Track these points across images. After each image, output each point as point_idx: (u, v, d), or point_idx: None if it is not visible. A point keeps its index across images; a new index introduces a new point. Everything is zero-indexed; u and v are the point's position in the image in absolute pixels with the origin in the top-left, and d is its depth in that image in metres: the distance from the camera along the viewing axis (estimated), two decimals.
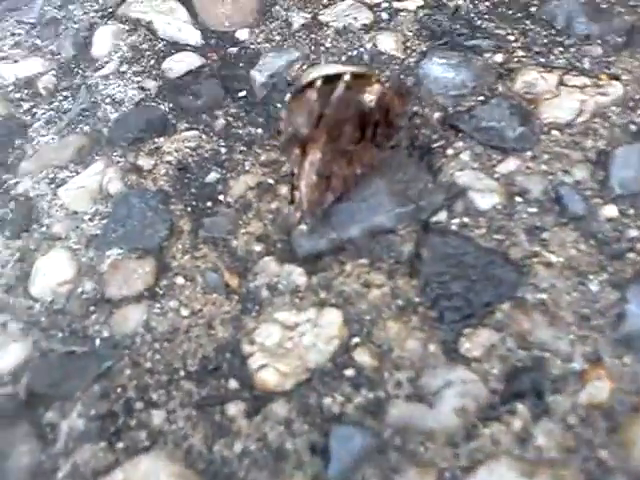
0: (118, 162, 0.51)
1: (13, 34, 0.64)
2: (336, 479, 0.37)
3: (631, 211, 0.46)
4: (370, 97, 0.43)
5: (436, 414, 0.38)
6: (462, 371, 0.40)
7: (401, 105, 0.46)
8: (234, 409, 0.39)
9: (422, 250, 0.45)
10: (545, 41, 0.58)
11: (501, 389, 0.39)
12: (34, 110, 0.57)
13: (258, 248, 0.46)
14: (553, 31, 0.59)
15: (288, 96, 0.40)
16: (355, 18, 0.60)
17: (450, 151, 0.50)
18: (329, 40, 0.59)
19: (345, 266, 0.45)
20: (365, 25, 0.60)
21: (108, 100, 0.56)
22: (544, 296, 0.42)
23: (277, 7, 0.63)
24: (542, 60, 0.56)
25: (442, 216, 0.47)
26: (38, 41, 0.63)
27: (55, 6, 0.66)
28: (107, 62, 0.59)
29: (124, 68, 0.59)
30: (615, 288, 0.43)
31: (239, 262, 0.45)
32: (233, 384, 0.40)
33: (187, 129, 0.53)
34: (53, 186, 0.50)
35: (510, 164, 0.49)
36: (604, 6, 0.60)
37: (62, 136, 0.53)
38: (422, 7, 0.61)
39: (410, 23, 0.60)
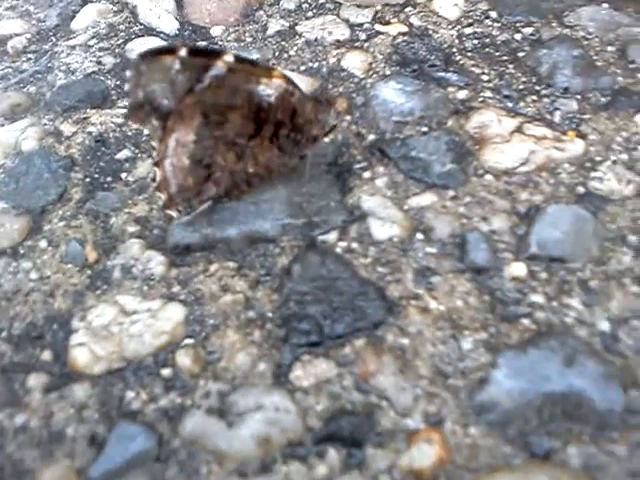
0: (45, 125, 0.51)
1: None
2: (98, 479, 0.33)
3: (543, 275, 0.41)
4: (268, 91, 0.40)
5: (233, 436, 0.34)
6: (280, 398, 0.35)
7: (314, 112, 0.43)
8: (35, 381, 0.37)
9: (294, 266, 0.41)
10: (520, 87, 0.53)
11: (318, 428, 0.35)
12: None
13: (132, 229, 0.44)
14: (533, 79, 0.54)
15: (136, 56, 0.38)
16: (330, 32, 0.58)
17: (367, 174, 0.46)
18: (295, 49, 0.57)
19: (211, 265, 0.42)
20: (338, 41, 0.58)
21: (63, 68, 0.57)
22: (405, 341, 0.38)
23: (261, 12, 0.62)
24: (509, 104, 0.52)
25: (332, 237, 0.43)
26: (31, 8, 0.65)
27: None
28: (80, 35, 0.60)
29: (92, 42, 0.59)
30: (489, 351, 0.37)
31: (109, 240, 0.43)
32: (47, 356, 0.38)
33: (123, 107, 0.53)
34: None
35: (425, 199, 0.45)
36: (599, 63, 0.55)
37: (4, 91, 0.54)
38: (404, 34, 0.59)
39: (385, 46, 0.57)
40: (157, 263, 0.42)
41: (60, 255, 0.43)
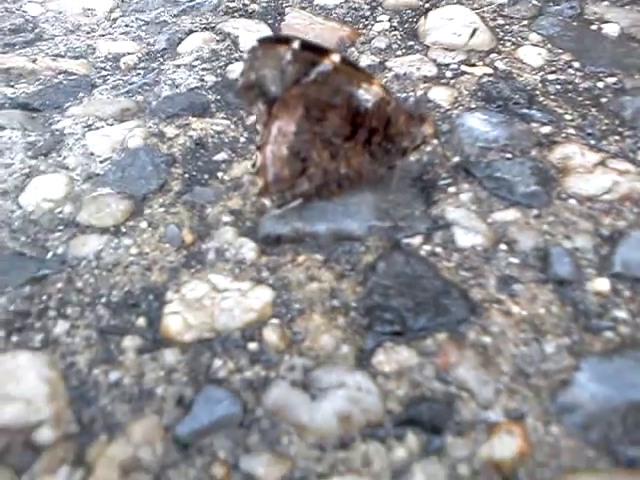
0: (149, 127, 0.55)
1: (127, 25, 0.73)
2: (184, 436, 0.34)
3: (627, 293, 0.41)
4: (366, 96, 0.43)
5: (315, 409, 0.35)
6: (363, 378, 0.36)
7: (407, 125, 0.46)
8: (130, 342, 0.39)
9: (379, 263, 0.43)
10: (603, 127, 0.55)
11: (398, 411, 0.35)
12: (108, 77, 0.63)
13: (226, 219, 0.46)
14: (616, 121, 0.56)
15: (255, 42, 0.41)
16: (418, 69, 0.62)
17: (452, 189, 0.48)
18: (384, 81, 0.60)
19: (299, 256, 0.44)
20: (425, 76, 0.61)
21: (169, 82, 0.61)
22: (487, 339, 0.38)
23: (353, 49, 0.66)
24: (592, 141, 0.53)
25: (416, 240, 0.44)
26: (143, 33, 0.71)
27: (172, 14, 0.75)
28: (185, 56, 0.65)
29: (196, 63, 0.64)
30: (572, 355, 0.37)
31: (204, 226, 0.46)
32: (141, 322, 0.40)
33: (222, 118, 0.56)
34: (86, 130, 0.55)
35: (509, 214, 0.46)
36: None
37: (115, 97, 0.59)
38: (489, 75, 0.61)
39: (470, 84, 0.60)
40: (249, 249, 0.44)
41: (159, 235, 0.45)
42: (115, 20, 0.75)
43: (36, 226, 0.46)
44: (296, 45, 0.40)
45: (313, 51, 0.41)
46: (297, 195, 0.45)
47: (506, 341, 0.38)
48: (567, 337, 0.38)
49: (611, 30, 0.68)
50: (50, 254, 0.44)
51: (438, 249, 0.44)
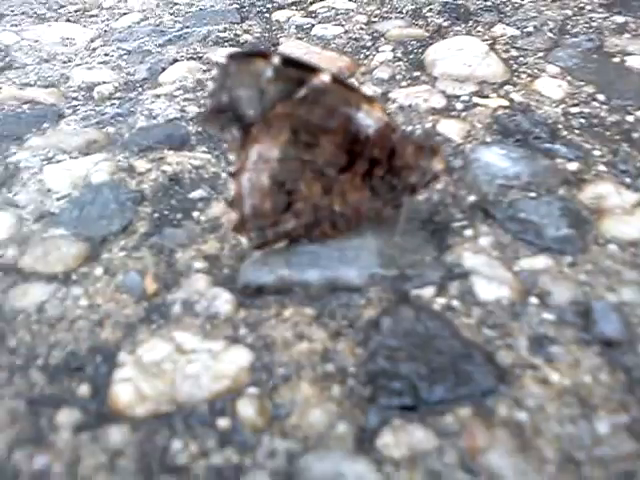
0: (119, 161, 0.48)
1: (107, 55, 0.67)
2: None
3: None
4: (367, 121, 0.36)
5: None
6: (365, 467, 0.28)
7: (415, 157, 0.38)
8: (66, 417, 0.30)
9: (383, 319, 0.35)
10: (638, 165, 0.48)
11: None
12: (78, 107, 0.57)
13: (199, 265, 0.38)
14: None
15: (227, 57, 0.33)
16: (425, 100, 0.55)
17: (469, 232, 0.41)
18: (387, 112, 0.54)
19: (285, 310, 0.36)
20: (433, 108, 0.55)
21: (145, 112, 0.54)
22: (523, 416, 0.30)
23: (353, 79, 0.60)
24: (626, 179, 0.46)
25: (428, 292, 0.36)
26: (123, 63, 0.65)
27: (157, 44, 0.69)
28: (166, 86, 0.59)
29: (178, 93, 0.58)
30: (634, 438, 0.29)
31: (172, 274, 0.38)
32: (84, 390, 0.32)
33: (202, 152, 0.49)
34: (44, 163, 0.48)
35: (538, 262, 0.38)
36: None
37: (83, 128, 0.52)
38: (505, 107, 0.55)
39: (484, 117, 0.53)
40: (224, 302, 0.36)
41: (116, 284, 0.37)
42: (95, 49, 0.69)
43: None
44: (277, 60, 0.33)
45: (298, 68, 0.34)
46: (281, 234, 0.37)
47: (547, 418, 0.30)
48: (624, 413, 0.30)
49: (636, 63, 0.61)
50: None
51: (455, 302, 0.36)
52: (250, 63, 0.34)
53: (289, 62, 0.34)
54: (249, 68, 0.34)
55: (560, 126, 0.53)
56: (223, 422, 0.30)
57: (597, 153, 0.49)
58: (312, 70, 0.34)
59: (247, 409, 0.30)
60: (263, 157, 0.35)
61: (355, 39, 0.67)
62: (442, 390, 0.31)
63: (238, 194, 0.35)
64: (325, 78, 0.34)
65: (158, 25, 0.75)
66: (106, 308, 0.36)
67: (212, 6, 0.80)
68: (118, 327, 0.35)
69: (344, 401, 0.31)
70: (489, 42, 0.65)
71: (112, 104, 0.57)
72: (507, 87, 0.58)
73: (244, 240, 0.38)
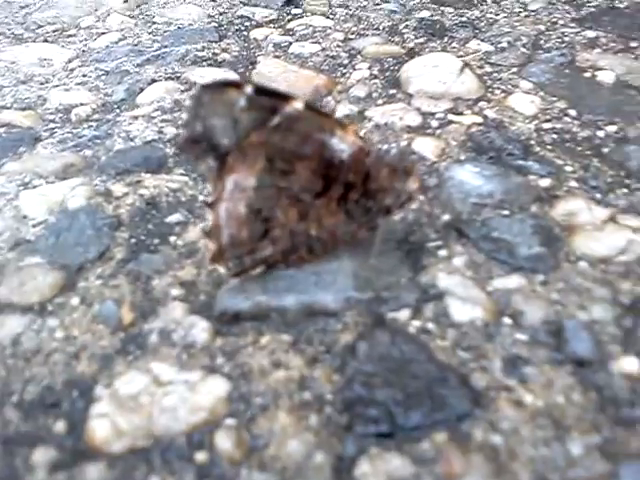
0: (95, 185, 0.48)
1: (85, 75, 0.67)
2: None
3: None
4: (341, 145, 0.36)
5: None
6: None
7: (390, 179, 0.39)
8: (42, 456, 0.30)
9: (359, 344, 0.35)
10: (609, 180, 0.49)
11: None
12: (55, 130, 0.57)
13: (176, 292, 0.39)
14: (622, 172, 0.49)
15: (199, 87, 0.34)
16: (401, 118, 0.56)
17: (443, 252, 0.41)
18: (363, 132, 0.54)
19: (262, 337, 0.36)
20: (409, 126, 0.55)
21: (123, 135, 0.55)
22: (498, 439, 0.30)
23: (329, 98, 0.60)
24: (597, 195, 0.47)
25: (404, 314, 0.37)
26: (101, 84, 0.65)
27: (135, 64, 0.69)
28: (144, 107, 0.59)
29: (156, 114, 0.58)
30: (606, 458, 0.30)
31: (148, 302, 0.38)
32: (60, 427, 0.32)
33: (179, 174, 0.50)
34: (21, 188, 0.48)
35: (511, 281, 0.39)
36: None
37: (60, 151, 0.52)
38: (478, 124, 0.55)
39: (458, 134, 0.54)
40: (200, 330, 0.36)
41: (92, 315, 0.37)
42: (72, 70, 0.69)
43: None
44: (249, 90, 0.33)
45: (271, 96, 0.34)
46: (258, 261, 0.38)
47: (521, 441, 0.30)
48: (596, 433, 0.31)
49: (606, 78, 0.62)
50: None
51: (430, 325, 0.36)
52: (223, 93, 0.34)
53: (261, 91, 0.34)
54: (222, 98, 0.34)
55: (533, 142, 0.53)
56: (201, 456, 0.30)
57: (569, 169, 0.50)
58: (285, 98, 0.35)
59: (225, 442, 0.30)
60: (239, 186, 0.35)
61: (332, 57, 0.68)
62: (418, 416, 0.31)
63: (216, 225, 0.36)
64: (298, 105, 0.35)
65: (136, 45, 0.75)
66: (82, 340, 0.36)
67: (190, 24, 0.81)
68: (94, 359, 0.35)
69: (321, 430, 0.31)
70: (464, 58, 0.66)
71: (89, 126, 0.57)
72: (481, 103, 0.59)
73: (222, 269, 0.38)
